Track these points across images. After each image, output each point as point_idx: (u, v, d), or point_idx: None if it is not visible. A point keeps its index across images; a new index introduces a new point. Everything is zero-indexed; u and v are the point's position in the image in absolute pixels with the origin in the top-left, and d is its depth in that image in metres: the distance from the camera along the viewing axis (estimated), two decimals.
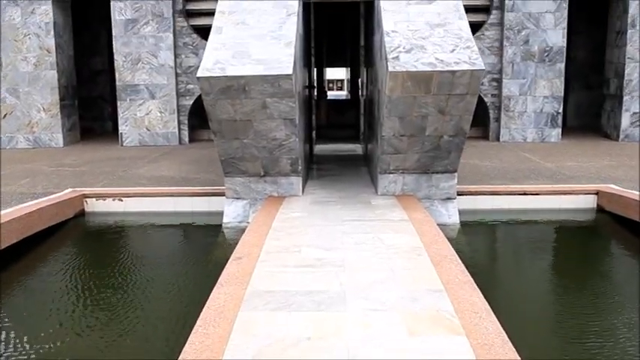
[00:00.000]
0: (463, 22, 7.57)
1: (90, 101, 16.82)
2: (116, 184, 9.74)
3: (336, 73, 34.49)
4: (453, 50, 7.14)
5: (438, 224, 7.96)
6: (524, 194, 9.00)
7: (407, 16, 7.62)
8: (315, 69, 15.69)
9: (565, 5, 13.34)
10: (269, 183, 8.27)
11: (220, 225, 8.23)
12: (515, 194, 9.02)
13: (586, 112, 16.44)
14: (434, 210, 8.25)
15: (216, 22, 7.76)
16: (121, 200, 9.17)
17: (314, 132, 13.09)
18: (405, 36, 7.33)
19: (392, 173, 8.20)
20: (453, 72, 6.89)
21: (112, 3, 13.56)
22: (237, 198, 8.34)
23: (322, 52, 22.48)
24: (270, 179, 8.26)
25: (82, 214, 9.14)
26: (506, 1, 13.31)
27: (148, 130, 13.84)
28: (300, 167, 8.11)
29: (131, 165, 11.53)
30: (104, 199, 9.19)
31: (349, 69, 23.65)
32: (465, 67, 6.91)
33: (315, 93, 15.47)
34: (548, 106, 13.72)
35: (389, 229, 6.44)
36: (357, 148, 13.05)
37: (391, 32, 7.38)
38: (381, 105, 7.81)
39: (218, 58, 7.16)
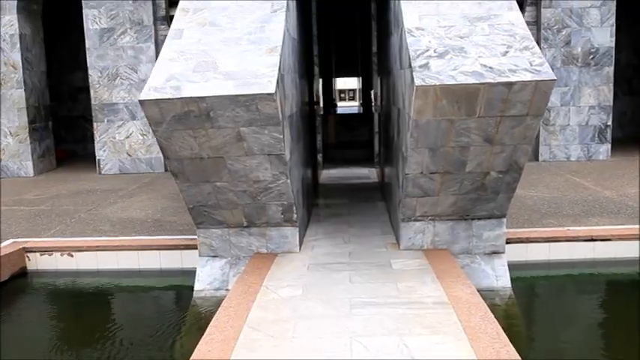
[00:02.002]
0: (515, 14, 5.28)
1: (71, 122, 14.73)
2: (71, 232, 7.55)
3: (348, 83, 32.26)
4: (506, 53, 4.85)
5: (483, 289, 5.72)
6: (592, 240, 6.67)
7: (436, 8, 5.34)
8: (322, 79, 13.47)
9: None
10: (255, 236, 6.02)
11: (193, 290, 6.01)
12: (579, 240, 6.69)
13: (630, 121, 14.03)
14: (475, 269, 5.95)
15: (175, 23, 5.54)
16: (71, 255, 6.98)
17: (320, 155, 10.84)
18: (436, 34, 5.05)
19: (419, 221, 5.92)
20: (510, 84, 4.60)
21: (84, 10, 11.43)
22: (214, 256, 6.10)
23: (331, 61, 20.24)
24: (256, 231, 6.02)
25: (24, 273, 6.97)
26: None
27: (129, 155, 11.67)
28: (295, 215, 5.86)
29: (100, 201, 9.34)
30: (50, 254, 7.02)
31: (361, 78, 21.38)
32: (527, 76, 4.62)
33: (322, 107, 13.24)
34: (594, 118, 11.36)
35: (420, 325, 4.16)
36: (371, 173, 10.76)
37: (415, 30, 5.11)
38: (403, 130, 5.53)
39: (173, 73, 4.93)
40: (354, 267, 5.55)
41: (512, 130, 4.95)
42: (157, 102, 4.72)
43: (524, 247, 6.63)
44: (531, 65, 4.71)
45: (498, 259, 6.02)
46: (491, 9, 5.34)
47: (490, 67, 4.69)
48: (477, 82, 4.58)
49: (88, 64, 11.57)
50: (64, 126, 14.87)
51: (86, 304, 6.46)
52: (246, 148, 5.08)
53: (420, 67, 4.72)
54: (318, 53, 10.80)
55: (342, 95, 33.38)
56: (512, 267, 6.10)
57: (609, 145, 11.44)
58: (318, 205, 8.42)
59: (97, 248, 6.96)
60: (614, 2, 11.01)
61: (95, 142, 11.84)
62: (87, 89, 14.32)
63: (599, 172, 10.27)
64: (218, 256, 6.11)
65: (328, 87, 18.80)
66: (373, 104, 10.89)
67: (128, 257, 6.89)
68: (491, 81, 4.58)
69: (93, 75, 11.60)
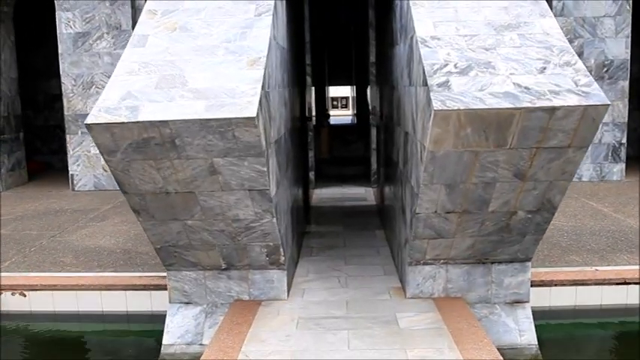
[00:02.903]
0: (549, 22, 4.31)
1: (47, 132, 13.65)
2: (27, 265, 6.50)
3: (340, 90, 31.27)
4: (543, 69, 3.87)
5: (505, 347, 4.77)
6: (625, 283, 5.70)
7: (454, 14, 4.36)
8: (314, 88, 12.48)
9: (629, 7, 10.07)
10: (235, 280, 5.01)
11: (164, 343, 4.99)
12: (610, 283, 5.72)
13: None
14: (495, 322, 4.97)
15: (139, 28, 4.52)
16: (24, 295, 5.93)
17: (312, 173, 9.84)
18: (456, 45, 4.07)
19: (429, 264, 4.93)
20: (552, 110, 3.62)
21: (57, 13, 10.38)
22: (187, 303, 5.09)
23: (324, 69, 19.27)
24: (236, 274, 5.01)
25: None
26: (554, 3, 10.04)
27: (105, 170, 10.60)
28: (282, 258, 4.85)
29: (68, 225, 8.28)
30: None
31: (355, 87, 20.42)
32: (572, 100, 3.64)
33: (314, 118, 12.26)
34: (608, 136, 10.41)
35: None
36: (367, 193, 9.76)
37: (430, 39, 4.13)
38: (412, 159, 4.55)
39: (130, 90, 3.92)
40: (353, 324, 4.54)
41: (550, 165, 3.97)
42: (108, 127, 3.70)
43: (548, 292, 5.64)
44: (577, 86, 3.73)
45: (522, 310, 5.04)
46: (520, 15, 4.36)
47: (526, 88, 3.71)
48: (512, 106, 3.59)
49: (61, 71, 10.51)
50: (39, 136, 13.78)
51: (39, 354, 5.43)
52: (222, 182, 4.08)
53: (439, 85, 3.73)
54: (310, 62, 9.82)
55: (335, 103, 32.36)
56: (535, 314, 5.13)
57: (623, 165, 10.50)
58: (310, 233, 7.41)
59: (54, 287, 5.91)
60: (630, 12, 10.09)
61: (68, 155, 10.77)
62: None
63: (616, 195, 9.32)
64: (192, 303, 5.09)
65: (321, 96, 17.82)
66: (371, 117, 9.91)
67: (90, 298, 5.85)
68: (529, 105, 3.59)
69: (66, 83, 10.55)
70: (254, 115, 3.60)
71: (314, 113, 11.58)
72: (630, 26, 10.17)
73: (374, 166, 9.90)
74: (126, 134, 3.74)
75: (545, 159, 3.92)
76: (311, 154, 9.77)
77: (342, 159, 13.21)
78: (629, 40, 10.18)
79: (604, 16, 10.13)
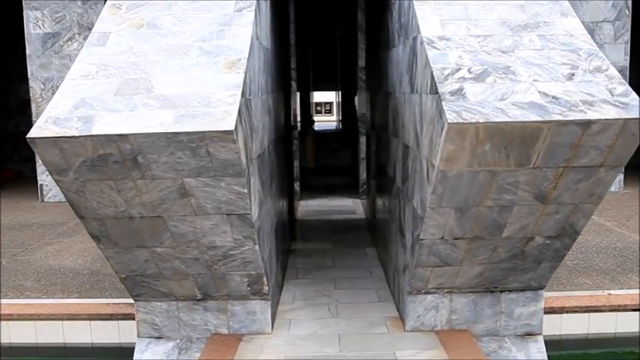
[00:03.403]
0: (572, 22, 3.74)
1: (18, 138, 12.84)
2: None
3: (324, 95, 30.64)
4: (571, 76, 3.28)
5: None
6: None
7: (464, 11, 3.77)
8: (299, 93, 11.87)
9: (628, 12, 9.59)
10: (213, 312, 4.37)
11: None
12: (625, 310, 5.16)
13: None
14: (505, 356, 4.38)
15: (100, 24, 3.87)
16: None
17: (297, 183, 9.20)
18: (468, 47, 3.47)
19: (431, 294, 4.32)
20: (586, 123, 3.03)
21: (24, 12, 9.65)
22: (158, 337, 4.43)
23: (308, 74, 18.66)
24: (214, 305, 4.36)
25: None
26: None
27: None
28: (265, 287, 4.22)
29: (33, 241, 7.56)
30: None
31: (340, 93, 19.81)
32: (610, 112, 3.05)
33: (299, 124, 11.64)
34: None
35: None
36: (356, 205, 9.13)
37: (438, 40, 3.53)
38: (413, 177, 3.95)
39: (85, 97, 3.26)
40: None
41: (577, 186, 3.39)
42: (56, 141, 3.05)
43: (559, 319, 5.06)
44: (612, 95, 3.15)
45: (534, 343, 4.46)
46: (538, 14, 3.78)
47: (554, 97, 3.12)
48: (540, 119, 3.00)
49: (29, 74, 9.77)
50: (10, 143, 13.00)
51: None
52: (195, 206, 3.43)
53: (452, 94, 3.13)
54: (296, 66, 9.20)
55: (319, 108, 31.72)
56: (545, 345, 4.56)
57: (622, 176, 10.00)
58: (296, 251, 6.77)
59: (10, 317, 5.21)
60: (629, 17, 9.61)
61: (37, 164, 10.03)
62: None
63: (617, 208, 8.80)
64: (163, 338, 4.44)
65: (306, 102, 17.21)
66: (360, 124, 9.31)
67: (50, 329, 5.17)
68: (560, 118, 3.00)
69: (35, 87, 9.81)
70: (232, 127, 2.97)
71: (299, 119, 10.95)
72: (630, 32, 9.69)
73: (363, 176, 9.30)
74: (78, 150, 3.09)
75: (573, 179, 3.34)
76: (296, 163, 9.15)
77: (328, 168, 12.56)
78: (629, 46, 9.70)
79: (603, 21, 9.64)
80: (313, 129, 14.28)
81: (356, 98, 10.31)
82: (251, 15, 3.82)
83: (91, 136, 3.01)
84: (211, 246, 3.79)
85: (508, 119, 2.98)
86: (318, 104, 31.33)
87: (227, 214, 3.50)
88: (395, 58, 4.84)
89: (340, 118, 20.74)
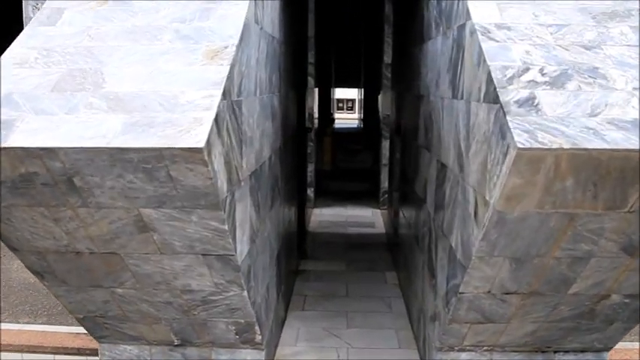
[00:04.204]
0: None
1: None
2: None
3: (346, 92, 29.58)
4: None
5: None
6: None
7: None
8: (318, 90, 10.91)
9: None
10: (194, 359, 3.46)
11: None
12: None
13: None
14: None
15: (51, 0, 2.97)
16: None
17: (311, 189, 8.27)
18: (537, 39, 2.50)
19: (466, 351, 3.36)
20: None
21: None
22: None
23: (330, 69, 17.67)
24: (195, 353, 3.45)
25: None
26: None
27: None
28: (258, 336, 3.29)
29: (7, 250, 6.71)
30: None
31: (363, 90, 18.77)
32: None
33: (317, 122, 10.68)
34: None
35: None
36: (375, 217, 8.16)
37: (495, 29, 2.56)
38: (454, 212, 2.99)
39: (13, 91, 2.36)
40: None
41: None
42: None
43: None
44: None
45: None
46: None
47: None
48: None
49: None
50: None
51: None
52: (159, 242, 2.52)
53: (519, 104, 2.16)
54: (314, 60, 8.25)
55: (340, 105, 30.64)
56: None
57: None
58: (304, 272, 5.84)
59: None
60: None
61: None
62: None
63: None
64: None
65: (326, 98, 16.23)
66: (383, 126, 8.34)
67: None
68: None
69: None
70: (201, 143, 2.04)
71: (317, 117, 9.97)
72: None
73: (384, 183, 8.33)
74: None
75: None
76: (311, 167, 8.20)
77: (346, 171, 11.56)
78: None
79: None
80: (332, 128, 13.26)
81: (379, 97, 9.32)
82: None
83: (6, 148, 2.10)
84: (186, 290, 2.88)
85: (606, 145, 2.01)
86: (339, 100, 30.28)
87: (202, 255, 2.59)
88: (431, 54, 3.87)
89: (362, 116, 19.69)
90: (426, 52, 4.09)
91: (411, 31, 5.02)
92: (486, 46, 2.46)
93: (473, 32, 2.62)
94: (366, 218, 7.99)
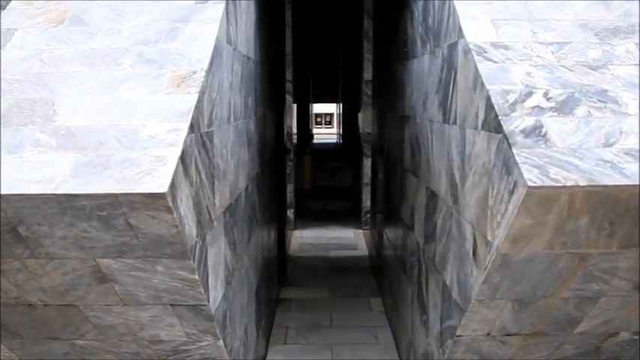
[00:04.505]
0: None
1: None
2: None
3: (324, 106, 29.38)
4: None
5: None
6: None
7: (524, 9, 2.56)
8: (296, 105, 10.68)
9: None
10: None
11: None
12: None
13: None
14: None
15: (5, 17, 2.67)
16: None
17: (291, 210, 7.99)
18: (538, 59, 2.27)
19: None
20: None
21: None
22: None
23: (308, 84, 17.46)
24: None
25: None
26: None
27: None
28: None
29: None
30: None
31: (341, 105, 18.58)
32: None
33: (296, 138, 10.44)
34: None
35: None
36: (357, 238, 7.90)
37: (491, 48, 2.32)
38: (448, 246, 2.75)
39: None
40: None
41: None
42: None
43: None
44: None
45: None
46: (630, 14, 2.58)
47: None
48: None
49: None
50: None
51: None
52: (121, 294, 2.22)
53: (525, 133, 1.92)
54: (292, 78, 8.00)
55: (319, 119, 30.43)
56: None
57: None
58: (285, 301, 5.54)
59: None
60: None
61: None
62: None
63: None
64: None
65: (304, 114, 15.98)
66: (364, 144, 8.11)
67: None
68: None
69: None
70: (164, 189, 1.75)
71: (295, 132, 9.69)
72: None
73: (366, 202, 8.09)
74: None
75: None
76: (290, 187, 7.93)
77: (327, 190, 11.30)
78: None
79: None
80: (312, 146, 12.97)
81: (359, 115, 9.09)
82: (219, 8, 2.62)
83: None
84: (155, 340, 2.57)
85: (626, 180, 1.77)
86: (318, 115, 30.06)
87: (171, 305, 2.29)
88: (416, 72, 3.63)
89: (341, 131, 19.47)
90: (410, 70, 3.85)
91: (393, 47, 4.79)
92: (483, 67, 2.22)
93: (467, 52, 2.38)
94: (348, 240, 7.73)
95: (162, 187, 1.75)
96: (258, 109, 4.06)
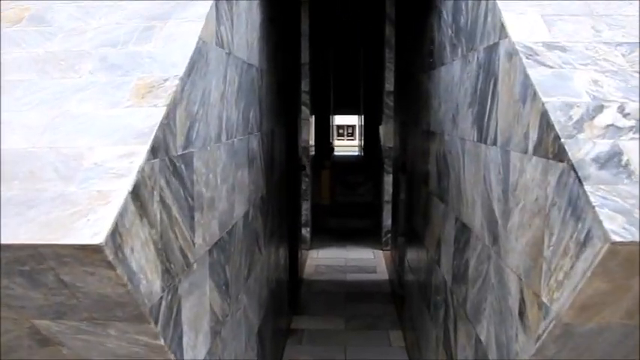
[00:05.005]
0: None
1: None
2: None
3: (347, 118, 28.86)
4: None
5: None
6: None
7: (582, 4, 2.04)
8: (314, 117, 10.24)
9: None
10: None
11: None
12: None
13: None
14: None
15: None
16: None
17: (307, 229, 7.51)
18: (606, 63, 1.75)
19: None
20: None
21: None
22: None
23: (329, 95, 17.03)
24: None
25: None
26: None
27: None
28: None
29: None
30: None
31: (363, 117, 18.08)
32: None
33: (315, 152, 10.01)
34: None
35: None
36: (377, 260, 7.37)
37: (544, 49, 1.81)
38: (485, 294, 2.22)
39: None
40: None
41: None
42: None
43: None
44: None
45: None
46: None
47: None
48: None
49: None
50: None
51: None
52: (72, 356, 1.74)
53: (600, 163, 1.41)
54: (309, 88, 7.55)
55: (341, 131, 29.92)
56: None
57: None
58: (296, 332, 5.04)
59: None
60: None
61: None
62: None
63: None
64: None
65: (325, 126, 15.52)
66: (385, 160, 7.60)
67: None
68: None
69: None
70: (101, 239, 1.27)
71: (313, 145, 9.21)
72: None
73: (386, 221, 7.57)
74: None
75: None
76: (306, 205, 7.45)
77: (346, 206, 10.77)
78: None
79: None
80: (332, 160, 12.44)
81: (380, 128, 8.59)
82: (207, 4, 2.15)
83: None
84: None
85: None
86: (340, 127, 29.55)
87: None
88: (444, 82, 3.13)
89: (362, 143, 18.95)
90: (437, 79, 3.35)
91: (418, 55, 4.30)
92: (535, 73, 1.72)
93: (512, 55, 1.88)
94: (367, 262, 7.20)
95: (99, 236, 1.27)
96: (264, 123, 3.59)
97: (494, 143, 2.09)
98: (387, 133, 7.50)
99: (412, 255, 4.59)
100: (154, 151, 1.56)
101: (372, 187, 10.56)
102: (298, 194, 6.49)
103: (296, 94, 6.03)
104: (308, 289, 6.12)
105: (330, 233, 8.58)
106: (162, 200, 1.64)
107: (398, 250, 5.87)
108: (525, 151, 1.75)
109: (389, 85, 7.24)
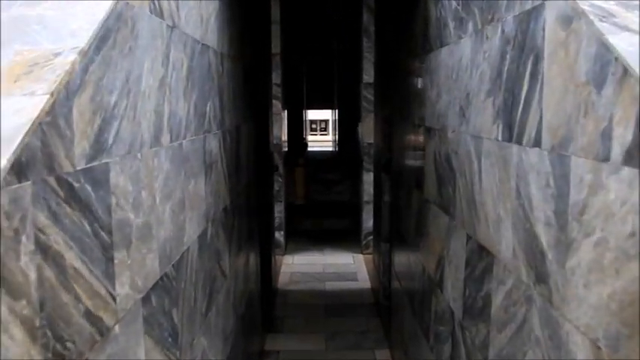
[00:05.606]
0: None
1: None
2: None
3: (320, 113, 28.19)
4: None
5: None
6: None
7: None
8: (286, 113, 9.61)
9: None
10: None
11: None
12: None
13: None
14: None
15: None
16: None
17: (280, 233, 6.89)
18: None
19: None
20: None
21: None
22: None
23: (301, 90, 16.39)
24: None
25: None
26: None
27: None
28: None
29: None
30: None
31: (337, 111, 17.46)
32: None
33: (287, 147, 9.39)
34: None
35: None
36: (358, 265, 6.79)
37: (620, 9, 1.23)
38: (524, 353, 1.61)
39: None
40: None
41: None
42: None
43: None
44: None
45: None
46: None
47: None
48: None
49: None
50: None
51: None
52: None
53: None
54: (281, 81, 6.93)
55: (314, 126, 29.25)
56: None
57: None
58: (270, 356, 4.43)
59: None
60: None
61: None
62: None
63: None
64: None
65: (298, 121, 14.89)
66: (364, 157, 7.03)
67: None
68: None
69: None
70: None
71: (286, 141, 8.58)
72: None
73: (367, 223, 7.00)
74: None
75: None
76: (279, 207, 6.84)
77: (322, 205, 10.17)
78: None
79: None
80: (305, 157, 11.85)
81: (360, 124, 8.01)
82: None
83: None
84: None
85: None
86: (313, 122, 28.89)
87: None
88: (445, 67, 2.55)
89: (337, 139, 18.36)
90: (434, 64, 2.77)
91: (407, 40, 3.71)
92: (620, 42, 1.14)
93: (572, 18, 1.30)
94: (346, 267, 6.62)
95: None
96: (227, 119, 2.96)
97: (538, 145, 1.51)
98: (366, 128, 6.92)
99: (401, 267, 4.02)
100: (19, 169, 0.94)
101: (350, 186, 10.00)
102: (271, 197, 5.87)
103: (267, 86, 5.40)
104: (283, 301, 5.51)
105: (306, 235, 7.97)
106: (41, 247, 1.01)
107: (381, 256, 5.31)
108: (607, 159, 1.16)
109: (367, 77, 6.66)
